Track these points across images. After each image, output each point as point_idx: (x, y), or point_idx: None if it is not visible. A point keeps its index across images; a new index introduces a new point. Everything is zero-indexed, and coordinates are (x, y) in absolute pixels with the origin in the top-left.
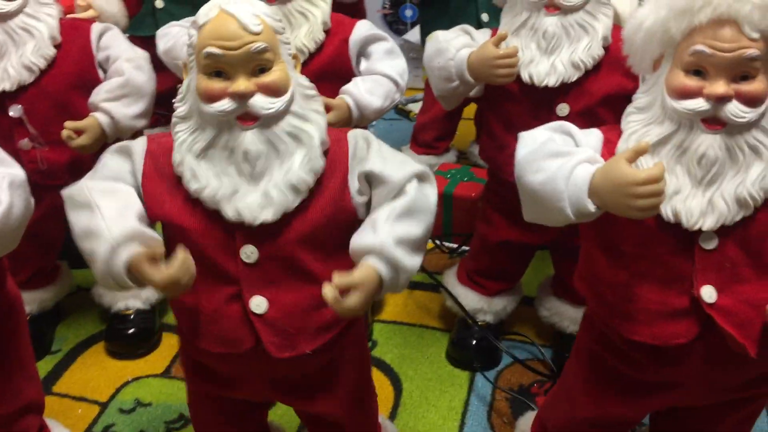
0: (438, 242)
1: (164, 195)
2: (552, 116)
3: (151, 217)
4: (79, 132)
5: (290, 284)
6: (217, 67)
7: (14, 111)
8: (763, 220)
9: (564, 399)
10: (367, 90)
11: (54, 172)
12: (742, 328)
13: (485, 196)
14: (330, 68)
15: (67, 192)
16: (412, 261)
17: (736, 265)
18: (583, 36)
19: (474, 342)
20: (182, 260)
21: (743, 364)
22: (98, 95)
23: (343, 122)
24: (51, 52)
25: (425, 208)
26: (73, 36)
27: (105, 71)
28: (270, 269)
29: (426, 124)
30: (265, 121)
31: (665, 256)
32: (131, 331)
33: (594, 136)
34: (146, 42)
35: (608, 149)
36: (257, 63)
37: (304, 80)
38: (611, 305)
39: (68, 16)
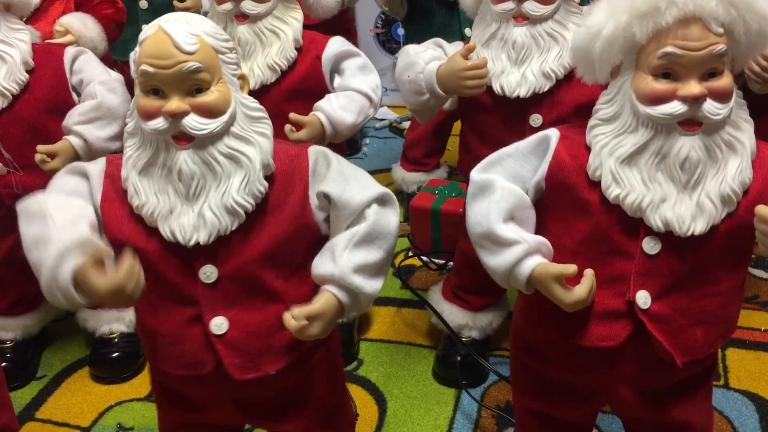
0: (425, 259)
1: (124, 218)
2: (525, 127)
3: (111, 240)
4: (52, 155)
5: (252, 304)
6: (153, 85)
7: None
8: (712, 230)
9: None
10: (340, 106)
11: None
12: (672, 336)
13: (465, 210)
14: (303, 85)
15: (22, 204)
16: (372, 285)
17: (674, 274)
18: (553, 45)
19: (459, 359)
20: (127, 266)
21: (670, 370)
22: (71, 118)
23: (316, 138)
24: (24, 77)
25: (386, 232)
26: (47, 60)
27: (79, 95)
28: (230, 289)
29: (414, 140)
30: (199, 142)
31: (608, 255)
32: (115, 355)
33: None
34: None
35: (564, 145)
36: (192, 83)
37: (250, 101)
38: (543, 307)
39: (47, 41)
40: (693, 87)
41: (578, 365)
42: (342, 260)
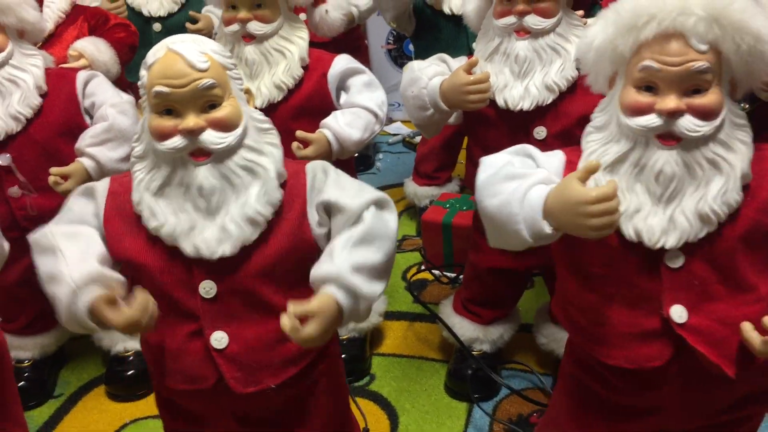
0: (437, 273)
1: (125, 234)
2: (530, 139)
3: (114, 257)
4: (65, 177)
5: (252, 318)
6: (167, 105)
7: (3, 160)
8: (729, 236)
9: (552, 425)
10: (346, 123)
11: (44, 218)
12: (717, 347)
13: (474, 223)
14: (310, 103)
15: (33, 237)
16: (371, 288)
17: (705, 283)
18: (555, 58)
19: (470, 372)
20: (141, 302)
21: (724, 385)
22: (83, 141)
23: (323, 156)
24: (37, 101)
25: (383, 234)
26: (59, 84)
27: (92, 117)
28: (230, 304)
29: (425, 155)
30: (217, 156)
31: (631, 276)
32: (130, 372)
33: (556, 158)
34: None
35: (571, 170)
36: (206, 99)
37: (258, 114)
38: (584, 329)
39: (61, 65)
40: (669, 101)
41: (629, 387)
42: (340, 259)
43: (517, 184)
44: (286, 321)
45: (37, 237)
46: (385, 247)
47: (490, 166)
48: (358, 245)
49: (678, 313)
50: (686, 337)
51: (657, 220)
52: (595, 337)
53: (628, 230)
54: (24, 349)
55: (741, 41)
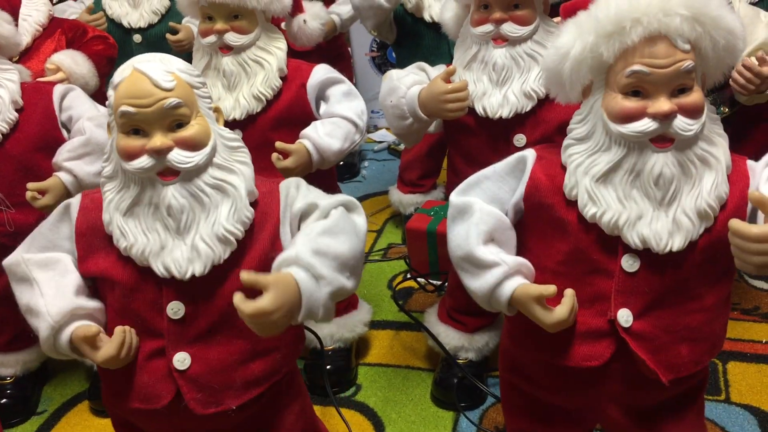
0: (423, 281)
1: (96, 251)
2: (510, 147)
3: (84, 273)
4: (43, 192)
5: (216, 340)
6: (133, 125)
7: None
8: (692, 246)
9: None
10: (326, 133)
11: (22, 234)
12: (656, 354)
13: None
14: (289, 114)
15: (6, 263)
16: (334, 275)
17: (654, 291)
18: (533, 66)
19: (456, 381)
20: (119, 341)
21: (656, 387)
22: (60, 155)
23: (303, 166)
24: (13, 116)
25: (350, 229)
26: (36, 99)
27: (69, 131)
28: (196, 325)
29: (410, 162)
30: (185, 175)
31: (588, 276)
32: None
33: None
34: None
35: (540, 165)
36: (173, 118)
37: (227, 132)
38: (530, 328)
39: (38, 79)
40: (663, 104)
41: (565, 386)
42: (300, 244)
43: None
44: (237, 294)
45: (10, 265)
46: (351, 242)
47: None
48: (322, 235)
49: (624, 317)
50: (629, 341)
51: (662, 224)
52: (538, 334)
53: (633, 237)
54: (6, 365)
55: (719, 37)
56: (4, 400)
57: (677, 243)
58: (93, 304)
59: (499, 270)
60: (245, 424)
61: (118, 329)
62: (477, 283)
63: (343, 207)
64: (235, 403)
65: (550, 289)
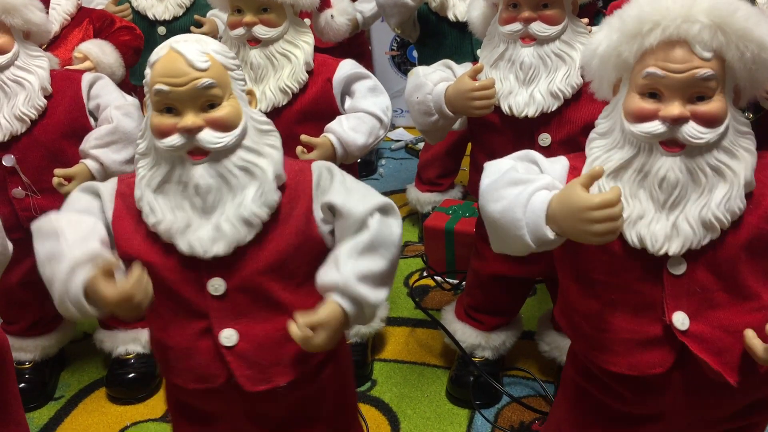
0: (439, 279)
1: (133, 233)
2: (534, 146)
3: (122, 256)
4: (69, 179)
5: (261, 315)
6: (167, 104)
7: (7, 161)
8: (732, 243)
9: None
10: (350, 127)
11: None
12: (719, 355)
13: (477, 230)
14: (314, 107)
15: (36, 224)
16: (376, 295)
17: (707, 290)
18: (560, 65)
19: (472, 379)
20: (137, 277)
21: (726, 393)
22: (88, 142)
23: (328, 160)
24: (42, 102)
25: (388, 241)
26: (65, 86)
27: (96, 119)
28: (239, 301)
29: (429, 161)
30: (214, 156)
31: (634, 283)
32: (131, 375)
33: (560, 164)
34: None
35: (574, 176)
36: (206, 99)
37: (259, 115)
38: (587, 336)
39: (66, 67)
40: (673, 108)
41: (633, 397)
42: (346, 269)
43: (521, 189)
44: (295, 330)
45: (40, 223)
46: (390, 254)
47: (494, 171)
48: (363, 253)
49: (680, 320)
50: (688, 344)
51: (660, 227)
52: (597, 344)
53: (632, 236)
54: (25, 350)
55: (745, 49)
56: (23, 385)
57: (674, 248)
58: (116, 260)
59: (542, 179)
60: (295, 408)
61: (136, 267)
62: (514, 193)
63: (379, 212)
64: (284, 380)
65: (597, 168)
